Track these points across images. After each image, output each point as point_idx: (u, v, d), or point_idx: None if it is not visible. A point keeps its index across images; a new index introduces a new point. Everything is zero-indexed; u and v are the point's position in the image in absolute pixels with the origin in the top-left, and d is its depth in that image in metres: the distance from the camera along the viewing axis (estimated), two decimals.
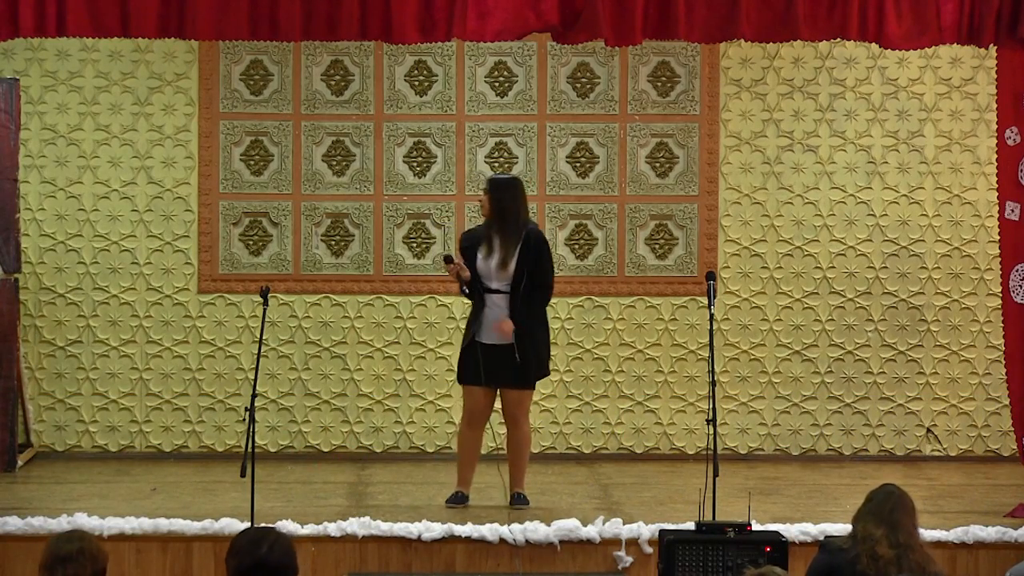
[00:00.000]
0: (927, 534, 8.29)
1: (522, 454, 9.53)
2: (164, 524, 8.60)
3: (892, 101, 11.50)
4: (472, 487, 9.50)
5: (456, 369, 9.64)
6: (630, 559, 8.55)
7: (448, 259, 9.47)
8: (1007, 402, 10.27)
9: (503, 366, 9.34)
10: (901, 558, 6.50)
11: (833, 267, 11.49)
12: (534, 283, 9.37)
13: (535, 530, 8.58)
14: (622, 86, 11.46)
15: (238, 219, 11.40)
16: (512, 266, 9.35)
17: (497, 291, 9.39)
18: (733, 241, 11.48)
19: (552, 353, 11.32)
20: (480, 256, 9.44)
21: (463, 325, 11.24)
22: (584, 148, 11.48)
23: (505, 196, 9.46)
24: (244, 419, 8.63)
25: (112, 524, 8.56)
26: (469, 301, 9.63)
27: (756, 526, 7.86)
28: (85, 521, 8.48)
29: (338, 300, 11.38)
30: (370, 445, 11.36)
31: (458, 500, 9.47)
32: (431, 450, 11.30)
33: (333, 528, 8.58)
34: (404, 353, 11.38)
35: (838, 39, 9.36)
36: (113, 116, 11.32)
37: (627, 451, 11.44)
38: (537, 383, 9.68)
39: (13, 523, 8.55)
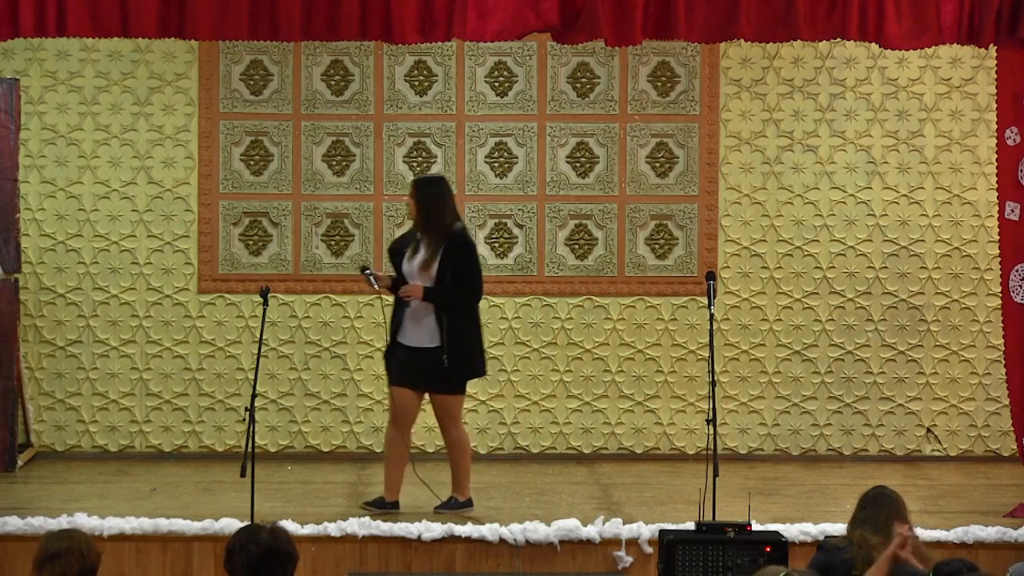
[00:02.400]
0: (927, 534, 8.32)
1: (457, 457, 9.31)
2: (164, 524, 8.60)
3: (892, 101, 11.50)
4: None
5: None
6: (630, 559, 8.55)
7: (363, 269, 9.34)
8: (1007, 402, 10.27)
9: (427, 369, 9.10)
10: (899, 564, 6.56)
11: (833, 267, 11.49)
12: (454, 282, 9.14)
13: (535, 530, 8.58)
14: (622, 86, 11.46)
15: (238, 219, 11.40)
16: (435, 267, 9.13)
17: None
18: (733, 241, 11.48)
19: (552, 353, 11.38)
20: (406, 257, 9.25)
21: None
22: (584, 148, 11.48)
23: (428, 196, 9.23)
24: (244, 419, 8.64)
25: (112, 524, 8.56)
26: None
27: (756, 526, 7.86)
28: (85, 521, 8.48)
29: (338, 300, 11.38)
30: (370, 445, 11.35)
31: (380, 506, 9.18)
32: (431, 450, 11.29)
33: (333, 528, 8.59)
34: None
35: (838, 39, 9.35)
36: (113, 116, 11.33)
37: (627, 451, 11.44)
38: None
39: (13, 523, 8.56)
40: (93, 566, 5.96)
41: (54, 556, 5.90)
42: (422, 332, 9.16)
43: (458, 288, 9.16)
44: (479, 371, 9.37)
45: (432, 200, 9.22)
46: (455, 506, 9.25)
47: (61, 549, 5.91)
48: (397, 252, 9.35)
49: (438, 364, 9.08)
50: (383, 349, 9.54)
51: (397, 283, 9.27)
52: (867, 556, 6.62)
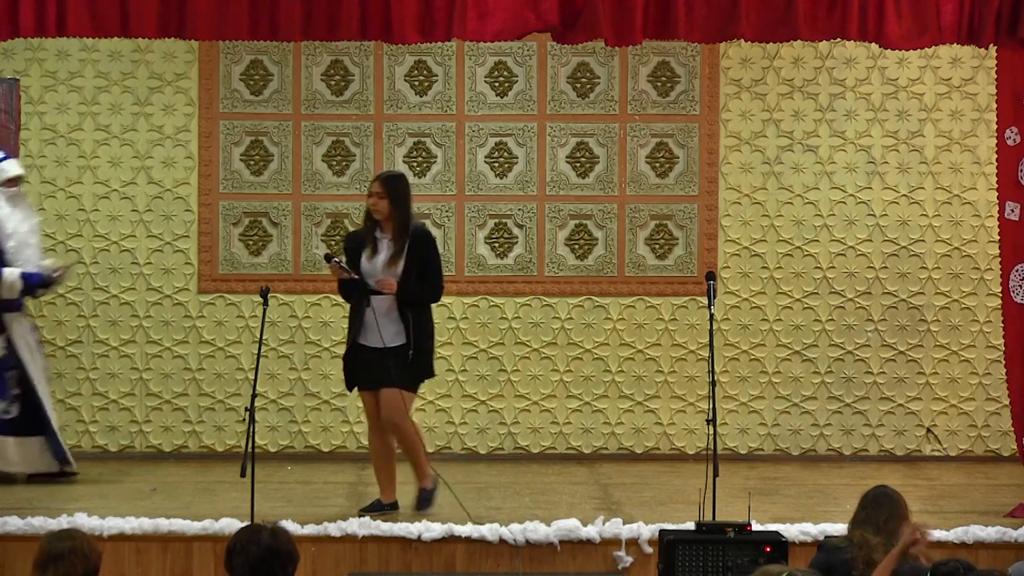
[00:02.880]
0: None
1: (417, 449, 9.12)
2: (164, 524, 8.59)
3: (892, 101, 11.50)
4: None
5: (344, 376, 9.18)
6: (630, 559, 8.54)
7: (328, 257, 9.06)
8: (1007, 402, 10.26)
9: (385, 367, 8.88)
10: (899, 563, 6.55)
11: (833, 267, 11.50)
12: (424, 278, 9.00)
13: (535, 530, 8.57)
14: (622, 86, 11.46)
15: (238, 219, 11.40)
16: (401, 263, 8.98)
17: (381, 292, 8.96)
18: (733, 241, 11.48)
19: (552, 353, 11.39)
20: (364, 256, 9.04)
21: (462, 324, 11.29)
22: (584, 148, 11.48)
23: (402, 192, 9.07)
24: (244, 419, 8.63)
25: (112, 524, 8.55)
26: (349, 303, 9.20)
27: (756, 526, 7.86)
28: (85, 521, 8.47)
29: (338, 300, 11.34)
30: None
31: (378, 508, 9.07)
32: (430, 450, 11.25)
33: (333, 528, 8.57)
34: None
35: (838, 39, 9.36)
36: (113, 116, 11.33)
37: (627, 451, 11.44)
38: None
39: (13, 523, 8.55)
40: (95, 567, 5.94)
41: (57, 557, 5.86)
42: (392, 331, 8.95)
43: (428, 285, 9.06)
44: (432, 371, 9.22)
45: (404, 197, 9.09)
46: (429, 497, 9.13)
47: (64, 550, 5.87)
48: (354, 251, 9.11)
49: (403, 361, 8.93)
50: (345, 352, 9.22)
51: (357, 284, 9.02)
52: (868, 556, 6.63)
